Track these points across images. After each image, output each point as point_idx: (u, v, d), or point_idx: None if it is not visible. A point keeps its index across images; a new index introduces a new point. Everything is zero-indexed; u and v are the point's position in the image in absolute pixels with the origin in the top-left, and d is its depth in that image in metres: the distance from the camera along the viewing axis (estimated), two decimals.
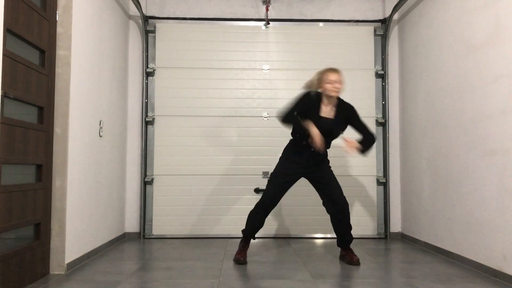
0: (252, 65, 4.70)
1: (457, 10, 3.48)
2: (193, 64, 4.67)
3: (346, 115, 3.37)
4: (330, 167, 3.48)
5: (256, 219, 3.42)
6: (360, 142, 3.34)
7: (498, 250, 2.93)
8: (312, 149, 3.28)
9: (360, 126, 3.39)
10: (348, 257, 3.39)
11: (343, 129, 3.40)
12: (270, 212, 3.42)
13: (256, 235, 3.44)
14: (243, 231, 3.49)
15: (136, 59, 4.63)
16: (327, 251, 3.86)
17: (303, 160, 3.36)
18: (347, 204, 3.42)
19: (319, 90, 3.34)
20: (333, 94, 3.28)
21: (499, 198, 2.92)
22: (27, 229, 2.74)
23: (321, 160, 3.40)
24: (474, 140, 3.21)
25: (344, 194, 4.54)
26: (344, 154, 4.63)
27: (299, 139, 3.33)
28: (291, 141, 3.48)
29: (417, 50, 4.23)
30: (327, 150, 3.43)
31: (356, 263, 3.32)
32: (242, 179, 4.59)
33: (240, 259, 3.35)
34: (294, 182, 3.43)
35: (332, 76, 3.28)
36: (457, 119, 3.45)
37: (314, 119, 3.26)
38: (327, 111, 3.33)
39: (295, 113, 3.28)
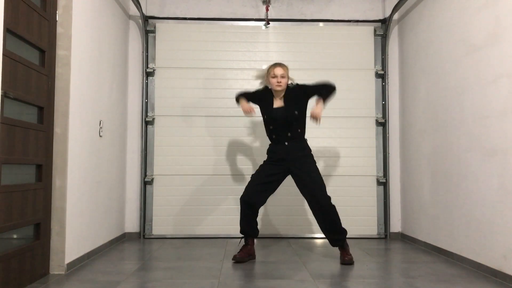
0: (252, 65, 4.70)
1: (457, 10, 3.48)
2: (193, 64, 4.67)
3: (295, 95, 3.43)
4: (313, 164, 3.42)
5: (243, 215, 3.45)
6: (320, 95, 3.39)
7: (498, 250, 2.93)
8: (286, 143, 3.39)
9: (315, 89, 3.43)
10: (341, 257, 3.37)
11: (297, 110, 3.40)
12: (254, 207, 3.42)
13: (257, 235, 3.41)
14: (240, 231, 3.53)
15: (136, 59, 4.63)
16: (327, 251, 3.86)
17: (276, 154, 3.44)
18: (331, 204, 3.34)
19: (268, 86, 3.51)
20: (277, 89, 3.43)
21: (499, 198, 2.92)
22: (27, 229, 2.74)
23: (298, 155, 3.39)
24: (474, 140, 3.21)
25: (344, 194, 4.61)
26: (344, 155, 4.64)
27: (271, 136, 3.49)
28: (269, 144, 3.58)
29: (417, 50, 4.23)
30: (300, 143, 3.43)
31: (348, 262, 3.29)
32: (242, 179, 4.58)
33: (236, 257, 3.38)
34: (275, 177, 3.44)
35: (276, 71, 3.42)
36: (457, 119, 3.45)
37: (268, 111, 3.46)
38: (279, 103, 3.47)
39: (244, 96, 3.59)
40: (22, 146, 2.59)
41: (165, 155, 4.60)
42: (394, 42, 4.75)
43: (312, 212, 3.41)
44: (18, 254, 2.57)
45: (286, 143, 3.40)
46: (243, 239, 3.54)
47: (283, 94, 3.45)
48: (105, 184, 3.83)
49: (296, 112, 3.39)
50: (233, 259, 3.38)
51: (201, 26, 4.71)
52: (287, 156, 3.40)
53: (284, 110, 3.40)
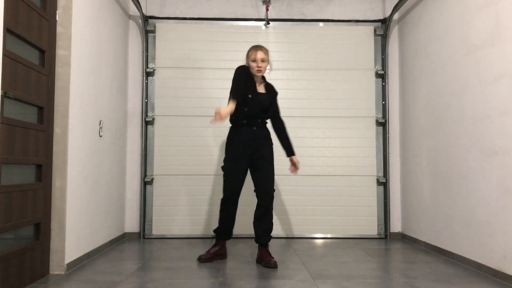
0: None
1: (457, 10, 3.48)
2: (193, 64, 4.67)
3: (272, 95, 3.45)
4: (272, 154, 3.40)
5: (225, 217, 3.43)
6: (280, 138, 3.48)
7: (498, 250, 2.93)
8: (254, 128, 3.34)
9: (276, 110, 3.49)
10: (265, 259, 3.25)
11: (272, 104, 3.45)
12: (236, 204, 3.42)
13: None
14: (214, 230, 3.52)
15: (136, 59, 4.63)
16: (327, 251, 3.86)
17: (245, 140, 3.32)
18: (272, 202, 3.31)
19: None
20: (257, 74, 3.34)
21: (499, 198, 2.92)
22: (27, 229, 2.74)
23: (263, 140, 3.36)
24: (474, 140, 3.21)
25: (345, 194, 4.61)
26: (344, 154, 4.64)
27: (240, 119, 3.32)
28: (230, 128, 3.44)
29: (417, 50, 4.23)
30: (265, 129, 3.43)
31: (274, 265, 3.19)
32: None
33: (201, 258, 3.36)
34: (247, 167, 3.37)
35: (257, 54, 3.32)
36: (457, 119, 3.45)
37: (252, 94, 3.31)
38: (261, 89, 3.42)
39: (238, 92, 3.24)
40: (22, 146, 2.59)
41: (165, 155, 4.60)
42: (394, 42, 4.75)
43: (258, 204, 3.32)
44: (18, 254, 2.57)
45: (254, 128, 3.35)
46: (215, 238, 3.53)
47: (263, 82, 3.45)
48: (105, 184, 3.83)
49: (272, 105, 3.44)
50: (198, 260, 3.37)
51: (201, 26, 4.71)
52: (253, 140, 3.32)
53: (267, 98, 3.40)
